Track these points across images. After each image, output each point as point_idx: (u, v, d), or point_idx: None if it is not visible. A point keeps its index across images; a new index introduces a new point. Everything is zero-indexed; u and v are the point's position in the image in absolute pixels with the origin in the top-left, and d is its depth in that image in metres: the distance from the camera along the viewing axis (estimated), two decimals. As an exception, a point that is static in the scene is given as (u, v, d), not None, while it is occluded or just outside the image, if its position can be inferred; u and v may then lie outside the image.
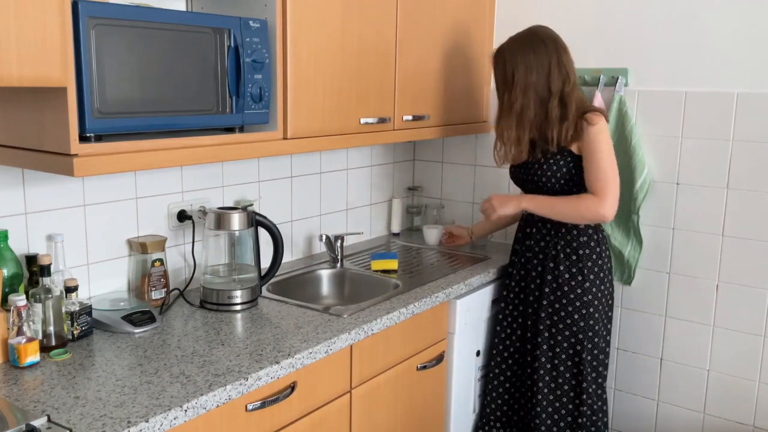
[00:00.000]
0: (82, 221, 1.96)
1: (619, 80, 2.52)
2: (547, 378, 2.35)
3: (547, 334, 2.34)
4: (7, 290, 1.71)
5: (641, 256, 2.56)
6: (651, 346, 2.62)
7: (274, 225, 2.20)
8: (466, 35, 2.70)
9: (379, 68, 2.29)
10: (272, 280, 2.26)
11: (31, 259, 1.78)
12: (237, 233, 2.18)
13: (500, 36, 2.82)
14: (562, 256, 2.31)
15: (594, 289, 2.30)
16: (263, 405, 1.68)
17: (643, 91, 2.53)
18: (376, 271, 2.52)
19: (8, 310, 1.64)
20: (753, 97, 2.33)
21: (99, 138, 1.56)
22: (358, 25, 2.17)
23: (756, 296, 2.39)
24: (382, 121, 2.32)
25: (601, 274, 2.31)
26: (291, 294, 2.28)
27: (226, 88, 1.80)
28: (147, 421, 1.39)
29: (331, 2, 2.06)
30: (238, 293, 2.08)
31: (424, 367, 2.28)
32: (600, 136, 2.19)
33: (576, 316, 2.30)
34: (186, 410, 1.47)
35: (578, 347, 2.31)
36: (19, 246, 1.81)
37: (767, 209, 2.34)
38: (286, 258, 2.55)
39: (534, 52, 2.20)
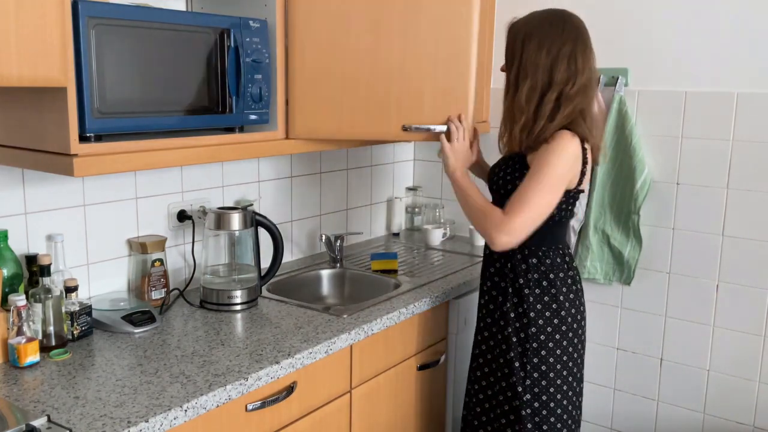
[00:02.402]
0: (82, 221, 1.96)
1: (619, 80, 2.52)
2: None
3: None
4: (7, 290, 1.71)
5: (641, 256, 2.56)
6: (651, 346, 2.62)
7: (274, 225, 2.20)
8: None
9: (388, 69, 2.27)
10: (272, 280, 2.26)
11: (31, 259, 1.78)
12: (237, 233, 2.18)
13: (500, 37, 2.82)
14: (510, 290, 1.97)
15: (543, 337, 1.94)
16: (263, 405, 1.68)
17: (643, 91, 2.53)
18: (376, 271, 2.52)
19: (8, 310, 1.64)
20: (753, 97, 2.33)
21: (99, 138, 1.56)
22: (360, 26, 2.16)
23: (756, 296, 2.39)
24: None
25: (555, 320, 1.95)
26: (291, 294, 2.28)
27: (226, 88, 1.80)
28: (147, 421, 1.39)
29: (334, 3, 2.06)
30: (238, 293, 2.08)
31: (424, 367, 2.28)
32: (551, 157, 1.81)
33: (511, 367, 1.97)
34: (186, 410, 1.47)
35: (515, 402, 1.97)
36: (19, 246, 1.81)
37: (767, 209, 2.34)
38: (286, 258, 2.55)
39: (550, 30, 1.85)
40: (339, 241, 2.57)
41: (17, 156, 1.62)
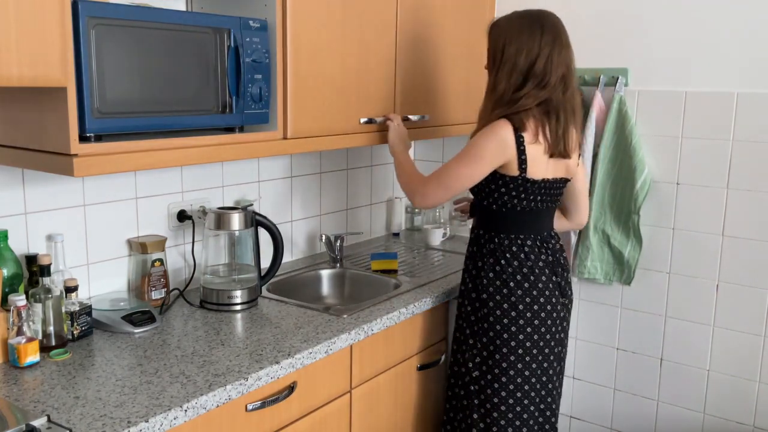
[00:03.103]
0: (82, 221, 1.96)
1: (619, 80, 2.52)
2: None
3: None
4: (7, 290, 1.71)
5: (641, 256, 2.56)
6: (651, 346, 2.62)
7: (274, 225, 2.20)
8: (465, 36, 2.70)
9: (379, 68, 2.29)
10: (272, 280, 2.26)
11: (31, 259, 1.78)
12: (237, 233, 2.18)
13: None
14: (474, 272, 2.11)
15: (492, 319, 2.03)
16: (263, 405, 1.68)
17: (643, 91, 2.53)
18: (376, 271, 2.52)
19: (8, 310, 1.64)
20: (753, 97, 2.32)
21: (99, 138, 1.56)
22: (359, 25, 2.17)
23: (756, 296, 2.39)
24: (381, 121, 2.32)
25: (505, 305, 2.03)
26: (291, 294, 2.28)
27: (226, 88, 1.80)
28: (147, 421, 1.39)
29: (332, 2, 2.06)
30: (238, 293, 2.08)
31: (424, 367, 2.28)
32: (477, 137, 1.98)
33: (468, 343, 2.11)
34: (186, 410, 1.47)
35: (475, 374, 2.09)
36: (19, 246, 1.81)
37: (767, 209, 2.34)
38: (286, 258, 2.55)
39: (529, 33, 1.95)
40: (339, 241, 2.57)
41: (17, 156, 1.62)
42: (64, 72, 1.44)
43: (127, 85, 1.59)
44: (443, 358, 2.37)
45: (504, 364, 2.04)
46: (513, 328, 2.02)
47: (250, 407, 1.65)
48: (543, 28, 1.96)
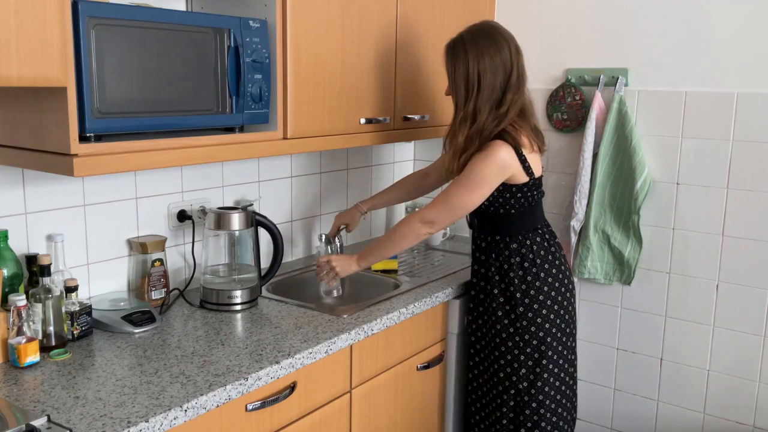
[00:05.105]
0: (82, 221, 1.96)
1: (619, 80, 2.52)
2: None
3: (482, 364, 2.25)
4: (7, 290, 1.71)
5: (641, 256, 2.56)
6: (651, 346, 2.62)
7: (274, 225, 2.20)
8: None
9: (380, 68, 2.29)
10: (272, 280, 2.26)
11: (31, 259, 1.78)
12: (237, 233, 2.18)
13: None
14: (497, 277, 2.15)
15: (530, 314, 2.10)
16: (263, 405, 1.68)
17: (643, 91, 2.53)
18: (376, 271, 2.52)
19: (8, 310, 1.64)
20: (753, 97, 2.32)
21: (99, 138, 1.56)
22: (358, 26, 2.17)
23: (756, 296, 2.39)
24: (381, 121, 2.32)
25: (541, 296, 2.11)
26: (291, 294, 2.28)
27: (226, 88, 1.80)
28: (147, 421, 1.39)
29: (332, 2, 2.06)
30: (238, 293, 2.08)
31: (424, 367, 2.28)
32: (479, 164, 1.99)
33: (500, 350, 2.16)
34: (186, 410, 1.47)
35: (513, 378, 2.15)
36: (19, 246, 1.81)
37: (767, 209, 2.34)
38: (286, 258, 2.55)
39: (500, 53, 1.99)
40: (339, 240, 2.57)
41: (17, 156, 1.62)
42: (64, 72, 1.44)
43: (127, 85, 1.59)
44: (443, 358, 2.36)
45: (544, 361, 2.11)
46: (548, 322, 2.11)
47: (250, 407, 1.65)
48: (504, 39, 2.02)
